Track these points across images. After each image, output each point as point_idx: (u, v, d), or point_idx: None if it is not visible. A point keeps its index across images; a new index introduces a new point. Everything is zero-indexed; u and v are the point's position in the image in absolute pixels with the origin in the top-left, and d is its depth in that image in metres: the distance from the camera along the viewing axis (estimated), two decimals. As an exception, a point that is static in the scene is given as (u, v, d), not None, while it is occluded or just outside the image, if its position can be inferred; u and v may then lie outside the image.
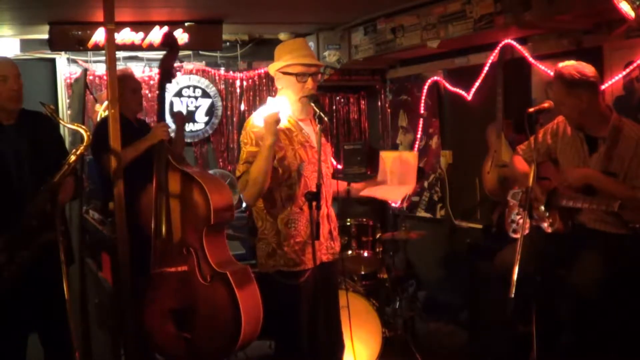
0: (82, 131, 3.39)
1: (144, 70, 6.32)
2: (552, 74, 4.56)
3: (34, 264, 3.35)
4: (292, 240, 3.31)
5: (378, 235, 4.86)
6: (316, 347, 3.42)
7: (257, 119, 3.29)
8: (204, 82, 6.48)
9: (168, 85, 6.49)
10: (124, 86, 4.30)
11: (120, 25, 5.38)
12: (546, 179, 3.70)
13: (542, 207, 3.56)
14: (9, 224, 3.31)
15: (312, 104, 3.28)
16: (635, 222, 3.23)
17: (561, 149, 3.69)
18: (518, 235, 3.16)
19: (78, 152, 3.33)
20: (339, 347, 3.63)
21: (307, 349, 3.35)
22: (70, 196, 3.61)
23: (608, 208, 3.26)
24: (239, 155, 3.35)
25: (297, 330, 3.31)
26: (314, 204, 3.15)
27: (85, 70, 5.20)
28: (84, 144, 3.35)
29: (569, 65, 3.52)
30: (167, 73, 4.26)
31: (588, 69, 3.49)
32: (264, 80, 6.67)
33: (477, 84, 5.30)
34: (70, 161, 3.31)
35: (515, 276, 2.98)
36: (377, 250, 4.82)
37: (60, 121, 3.46)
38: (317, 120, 3.27)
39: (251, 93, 6.67)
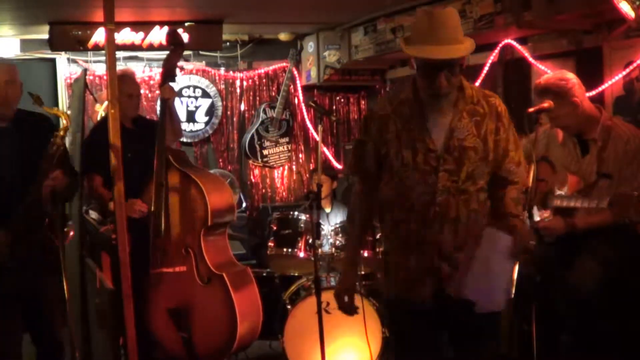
0: (61, 115, 3.48)
1: (144, 70, 6.32)
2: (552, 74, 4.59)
3: (20, 266, 3.37)
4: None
5: (378, 235, 4.85)
6: None
7: (377, 104, 2.95)
8: (204, 82, 6.47)
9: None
10: (120, 90, 4.26)
11: (120, 25, 5.38)
12: (542, 180, 3.69)
13: (536, 208, 3.56)
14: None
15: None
16: (625, 217, 3.22)
17: (553, 153, 3.67)
18: None
19: (59, 135, 3.40)
20: None
21: None
22: (62, 184, 3.46)
23: (599, 205, 3.25)
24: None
25: None
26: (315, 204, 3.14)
27: (85, 70, 5.20)
28: (63, 127, 3.43)
29: (550, 77, 3.43)
30: (170, 72, 4.23)
31: (567, 74, 3.42)
32: (264, 80, 6.65)
33: (477, 84, 5.30)
34: (57, 143, 3.38)
35: (515, 276, 2.99)
36: (377, 250, 4.81)
37: (45, 108, 3.52)
38: (318, 120, 3.28)
39: (251, 93, 6.66)
